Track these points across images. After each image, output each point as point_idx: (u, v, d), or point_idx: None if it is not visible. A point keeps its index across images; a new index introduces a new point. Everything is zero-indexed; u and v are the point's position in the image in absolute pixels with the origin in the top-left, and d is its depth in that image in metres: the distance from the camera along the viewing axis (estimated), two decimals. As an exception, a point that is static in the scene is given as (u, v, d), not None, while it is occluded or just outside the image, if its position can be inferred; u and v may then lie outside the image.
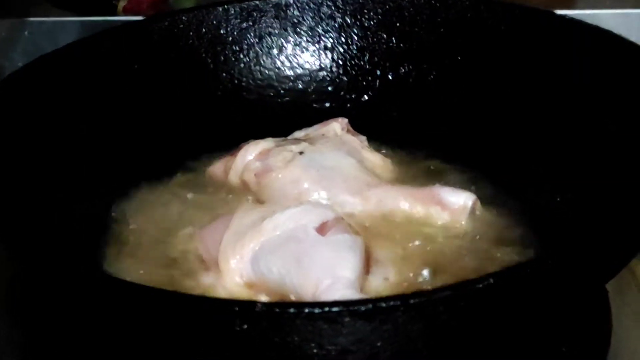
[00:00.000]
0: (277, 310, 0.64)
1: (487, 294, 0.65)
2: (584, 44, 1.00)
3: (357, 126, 1.10)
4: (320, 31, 1.17)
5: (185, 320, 0.68)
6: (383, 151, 1.08)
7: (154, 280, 0.90)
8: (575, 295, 0.79)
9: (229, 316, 0.65)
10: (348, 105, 1.16)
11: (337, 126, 1.07)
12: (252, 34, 1.17)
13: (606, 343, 0.91)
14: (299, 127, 1.10)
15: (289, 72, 1.18)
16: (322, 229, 0.86)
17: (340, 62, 1.17)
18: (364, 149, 1.05)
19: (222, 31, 1.16)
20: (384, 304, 0.63)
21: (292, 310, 0.63)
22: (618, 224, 0.71)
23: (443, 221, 0.95)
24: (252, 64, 1.17)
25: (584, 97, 0.98)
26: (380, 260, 0.89)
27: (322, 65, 1.17)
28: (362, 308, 0.63)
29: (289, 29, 1.18)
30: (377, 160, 1.05)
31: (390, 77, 1.16)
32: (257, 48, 1.17)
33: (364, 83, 1.17)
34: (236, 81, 1.16)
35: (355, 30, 1.17)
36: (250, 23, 1.16)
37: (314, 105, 1.17)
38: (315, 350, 0.66)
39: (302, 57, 1.18)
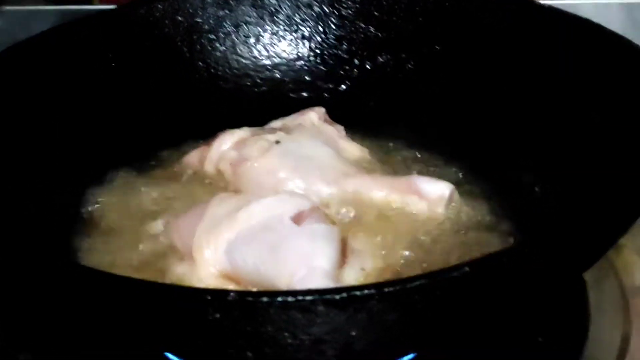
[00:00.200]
0: (250, 299, 0.63)
1: (462, 283, 0.64)
2: (565, 34, 0.99)
3: (335, 116, 1.09)
4: (297, 20, 1.17)
5: (157, 310, 0.67)
6: (360, 141, 1.07)
7: (128, 269, 0.89)
8: (553, 284, 0.79)
9: (201, 305, 0.64)
10: (325, 94, 1.16)
11: (314, 116, 1.06)
12: (228, 23, 1.16)
13: (584, 333, 0.91)
14: (276, 117, 1.09)
15: (266, 61, 1.17)
16: (297, 219, 0.85)
17: (318, 51, 1.16)
18: (341, 139, 1.04)
19: (198, 19, 1.15)
20: (358, 293, 0.62)
21: (265, 299, 0.63)
22: (596, 214, 0.71)
23: (420, 211, 0.95)
24: (228, 53, 1.16)
25: (564, 87, 0.97)
26: (356, 249, 0.88)
27: (300, 55, 1.17)
28: (337, 297, 0.62)
29: (266, 17, 1.17)
30: (354, 150, 1.04)
31: (368, 66, 1.15)
32: (233, 37, 1.16)
33: (342, 72, 1.16)
34: (212, 70, 1.15)
35: (333, 19, 1.16)
36: (227, 11, 1.16)
37: (291, 94, 1.16)
38: (289, 340, 0.66)
39: (279, 46, 1.17)
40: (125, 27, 1.12)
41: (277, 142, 1.00)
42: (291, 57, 1.17)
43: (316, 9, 1.16)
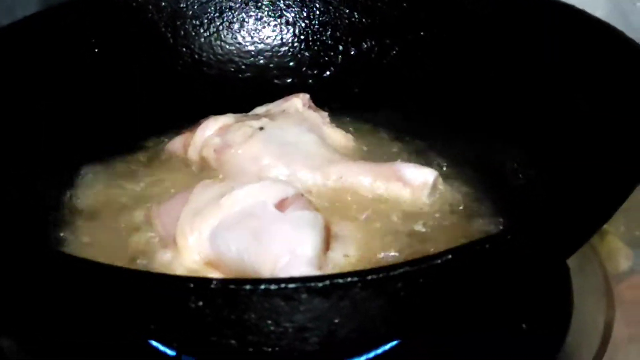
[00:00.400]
0: (233, 286, 0.63)
1: (445, 270, 0.64)
2: (550, 20, 0.99)
3: (319, 102, 1.09)
4: (282, 5, 1.16)
5: (140, 298, 0.67)
6: (344, 127, 1.07)
7: (111, 257, 0.88)
8: (536, 271, 0.79)
9: (184, 293, 0.64)
10: (310, 80, 1.16)
11: (299, 102, 1.06)
12: (212, 8, 1.15)
13: (567, 320, 0.91)
14: (261, 103, 1.09)
15: (250, 47, 1.16)
16: (281, 206, 0.85)
17: (302, 37, 1.16)
18: (326, 125, 1.04)
19: (182, 5, 1.14)
20: (341, 280, 0.62)
21: (247, 286, 0.62)
22: (579, 200, 0.71)
23: (404, 197, 0.94)
24: (212, 39, 1.15)
25: (549, 73, 0.97)
26: (340, 236, 0.88)
27: (284, 41, 1.16)
28: (319, 284, 0.62)
29: (250, 3, 1.16)
30: (338, 136, 1.04)
31: (352, 52, 1.15)
32: (217, 22, 1.15)
33: (326, 58, 1.16)
34: (196, 56, 1.15)
35: (318, 5, 1.15)
36: (211, -4, 1.15)
37: (276, 80, 1.16)
38: (272, 328, 0.65)
39: (264, 32, 1.17)
40: (109, 12, 1.11)
41: (261, 128, 0.99)
42: (275, 43, 1.16)
43: (300, -6, 1.16)
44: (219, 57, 1.15)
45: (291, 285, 0.62)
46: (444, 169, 1.00)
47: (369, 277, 0.63)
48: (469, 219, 0.94)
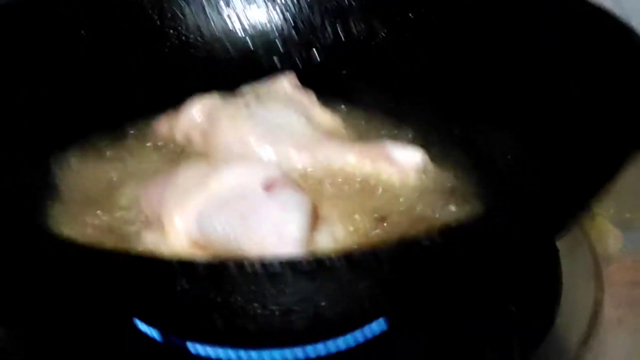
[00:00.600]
0: (218, 267, 0.62)
1: (432, 251, 0.64)
2: (544, 4, 0.99)
3: (307, 84, 1.08)
4: (270, -14, 1.16)
5: (126, 279, 0.66)
6: (332, 109, 1.06)
7: (97, 238, 0.88)
8: (525, 253, 0.78)
9: (170, 275, 0.63)
10: (298, 62, 1.15)
11: (286, 81, 1.05)
12: (199, -11, 1.15)
13: (556, 302, 0.91)
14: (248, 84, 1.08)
15: (238, 29, 1.15)
16: (268, 186, 0.84)
17: (290, 19, 1.15)
18: (313, 106, 1.04)
19: (168, -15, 1.13)
20: (327, 261, 0.62)
21: (233, 267, 0.62)
22: (567, 181, 0.70)
23: (392, 178, 0.94)
24: (199, 20, 1.14)
25: (540, 57, 0.97)
26: (327, 217, 0.88)
27: (272, 22, 1.16)
28: (306, 265, 0.62)
29: (237, -17, 1.16)
30: (325, 117, 1.03)
31: (340, 34, 1.14)
32: (204, 3, 1.14)
33: (314, 40, 1.15)
34: (183, 38, 1.14)
35: (306, -14, 1.15)
36: (198, -23, 1.14)
37: (263, 63, 1.15)
38: (259, 309, 0.65)
39: (251, 13, 1.16)
40: (95, -6, 1.11)
41: (247, 108, 0.99)
42: (263, 24, 1.16)
43: (288, -25, 1.15)
44: (206, 38, 1.14)
45: (277, 266, 0.62)
46: (432, 150, 0.99)
47: (356, 258, 0.62)
48: (457, 200, 0.93)
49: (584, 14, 0.92)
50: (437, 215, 0.90)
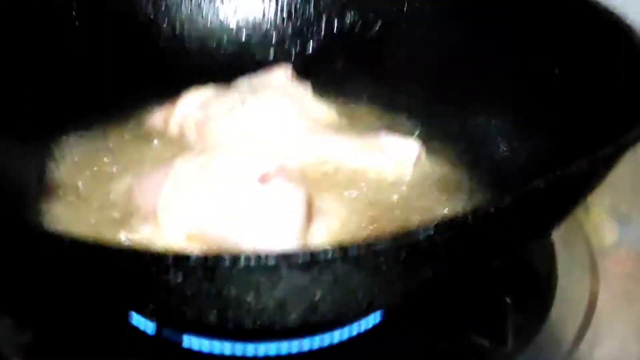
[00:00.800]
0: (212, 261, 0.62)
1: (428, 244, 0.64)
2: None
3: (302, 76, 1.08)
4: (264, -22, 1.15)
5: (121, 273, 0.66)
6: (327, 101, 1.06)
7: (92, 231, 0.88)
8: (520, 244, 0.79)
9: (164, 268, 0.63)
10: (292, 54, 1.14)
11: (281, 74, 1.05)
12: (193, -19, 1.14)
13: (551, 294, 0.90)
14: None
15: (232, 21, 1.15)
16: (263, 179, 0.84)
17: (285, 11, 1.15)
18: (308, 98, 1.03)
19: (162, -22, 1.13)
20: (322, 255, 0.61)
21: (227, 261, 0.61)
22: (561, 172, 0.70)
23: (387, 169, 0.94)
24: (194, 13, 1.14)
25: (531, 45, 0.97)
26: (323, 210, 0.88)
27: (266, 14, 1.15)
28: (300, 259, 0.62)
29: (232, -25, 1.15)
30: (321, 109, 1.03)
31: (335, 26, 1.14)
32: (199, -4, 1.14)
33: (309, 32, 1.15)
34: (178, 31, 1.14)
35: (300, -22, 1.15)
36: (192, -30, 1.14)
37: (258, 55, 1.15)
38: (253, 302, 0.65)
39: (246, 5, 1.15)
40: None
41: (243, 101, 0.99)
42: (257, 16, 1.15)
43: (283, -34, 1.15)
44: (200, 30, 1.14)
45: (272, 260, 0.61)
46: (427, 141, 0.99)
47: (351, 252, 0.62)
48: (452, 192, 0.93)
49: (579, 7, 0.92)
50: (433, 207, 0.90)
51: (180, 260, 0.62)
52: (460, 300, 0.84)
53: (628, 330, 0.89)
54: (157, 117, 1.04)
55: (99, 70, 1.08)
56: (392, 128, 1.03)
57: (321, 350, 0.82)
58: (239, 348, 0.82)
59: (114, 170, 0.98)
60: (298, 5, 1.15)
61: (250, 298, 0.65)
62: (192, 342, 0.83)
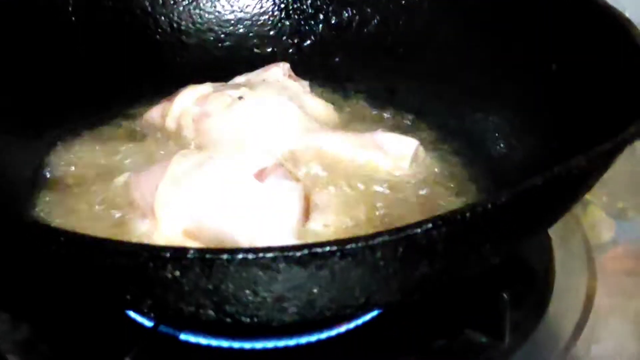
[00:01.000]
0: (209, 256, 0.62)
1: (425, 240, 0.64)
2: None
3: (300, 71, 1.08)
4: (261, -27, 1.15)
5: (117, 268, 0.66)
6: (325, 97, 1.06)
7: (89, 227, 0.88)
8: (518, 240, 0.78)
9: (161, 263, 0.63)
10: (290, 50, 1.15)
11: (279, 71, 1.05)
12: (191, -25, 1.14)
13: (549, 291, 0.90)
14: (241, 73, 1.07)
15: (230, 16, 1.15)
16: (260, 175, 0.84)
17: (282, 6, 1.15)
18: (306, 95, 1.03)
19: (160, -28, 1.13)
20: (320, 250, 0.61)
21: (225, 256, 0.61)
22: (559, 169, 0.70)
23: (385, 167, 0.94)
24: (191, 7, 1.14)
25: (530, 41, 0.97)
26: (320, 206, 0.88)
27: (264, 9, 1.15)
28: (298, 254, 0.61)
29: (229, -30, 1.15)
30: (319, 106, 1.03)
31: (333, 21, 1.14)
32: (195, -11, 1.14)
33: (307, 28, 1.15)
34: (175, 25, 1.13)
35: (298, -27, 1.15)
36: (190, -37, 1.14)
37: (256, 50, 1.15)
38: (250, 298, 0.65)
39: (243, 0, 1.15)
40: (87, -20, 1.10)
41: (240, 97, 0.98)
42: (255, 11, 1.15)
43: (280, -39, 1.15)
44: (198, 25, 1.14)
45: (269, 255, 0.61)
46: (425, 138, 0.99)
47: (348, 247, 0.62)
48: (450, 188, 0.93)
49: (577, 2, 0.92)
50: (430, 204, 0.90)
51: (178, 255, 0.62)
52: (458, 296, 0.84)
53: (625, 326, 0.89)
54: (155, 113, 1.04)
55: (95, 66, 1.08)
56: (390, 125, 1.04)
57: (317, 344, 0.83)
58: (236, 344, 0.82)
59: (112, 166, 0.98)
60: (295, 0, 1.15)
61: (247, 293, 0.64)
62: (190, 338, 0.83)
